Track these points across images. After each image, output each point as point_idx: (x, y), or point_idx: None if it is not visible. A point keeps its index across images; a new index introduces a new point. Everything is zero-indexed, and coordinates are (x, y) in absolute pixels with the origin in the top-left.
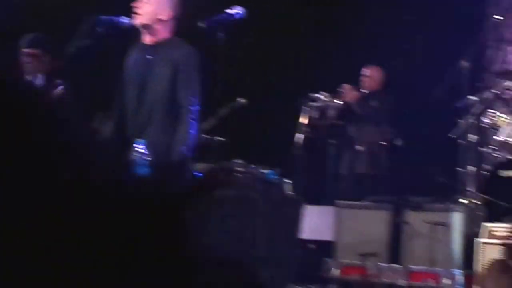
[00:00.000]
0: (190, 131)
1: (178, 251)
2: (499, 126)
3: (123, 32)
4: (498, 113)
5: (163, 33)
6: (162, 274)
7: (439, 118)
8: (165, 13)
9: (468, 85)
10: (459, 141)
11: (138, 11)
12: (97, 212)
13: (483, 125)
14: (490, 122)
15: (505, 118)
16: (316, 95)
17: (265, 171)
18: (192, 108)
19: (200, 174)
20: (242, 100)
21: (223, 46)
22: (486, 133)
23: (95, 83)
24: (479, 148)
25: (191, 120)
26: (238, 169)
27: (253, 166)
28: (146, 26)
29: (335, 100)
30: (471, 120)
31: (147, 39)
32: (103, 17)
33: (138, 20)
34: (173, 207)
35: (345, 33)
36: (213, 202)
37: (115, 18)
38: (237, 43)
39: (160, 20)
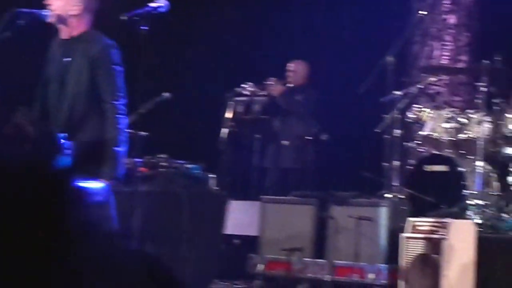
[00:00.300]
0: (118, 126)
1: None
2: (423, 121)
3: (45, 25)
4: (422, 108)
5: (79, 27)
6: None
7: (365, 113)
8: (76, 7)
9: (393, 80)
10: (384, 136)
11: (50, 7)
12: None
13: (408, 120)
14: (415, 117)
15: (430, 113)
16: (242, 85)
17: (190, 166)
18: (116, 103)
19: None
20: (166, 94)
21: (146, 40)
22: (411, 128)
23: (17, 76)
24: (404, 143)
25: (117, 116)
26: (162, 163)
27: (177, 161)
28: (60, 21)
29: (260, 92)
30: (396, 115)
31: (64, 34)
32: (24, 10)
33: (51, 17)
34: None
35: (271, 27)
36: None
37: (36, 11)
38: (161, 36)
39: (72, 15)
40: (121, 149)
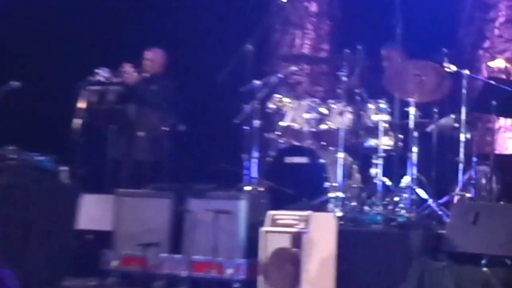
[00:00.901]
0: None
1: None
2: (284, 111)
3: None
4: (283, 98)
5: None
6: None
7: (223, 103)
8: None
9: (253, 69)
10: (243, 126)
11: None
12: None
13: (268, 110)
14: (275, 107)
15: (290, 103)
16: (96, 71)
17: (40, 158)
18: None
19: None
20: (14, 83)
21: None
22: (271, 118)
23: None
24: (263, 133)
25: None
26: (10, 156)
27: (26, 152)
28: None
29: (115, 80)
30: (255, 105)
31: None
32: None
33: None
34: None
35: (128, 14)
36: None
37: None
38: (8, 22)
39: None
40: None
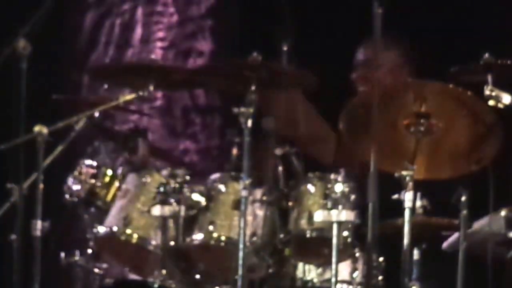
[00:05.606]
0: None
1: None
2: (105, 200)
3: None
4: (104, 169)
5: None
6: None
7: None
8: None
9: (31, 98)
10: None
11: None
12: None
13: (67, 197)
14: (83, 189)
15: (118, 180)
16: None
17: None
18: None
19: None
20: None
21: None
22: (74, 216)
23: None
24: (59, 256)
25: None
26: None
27: None
28: None
29: None
30: (38, 186)
31: None
32: None
33: None
34: None
35: None
36: None
37: None
38: None
39: None
40: None
